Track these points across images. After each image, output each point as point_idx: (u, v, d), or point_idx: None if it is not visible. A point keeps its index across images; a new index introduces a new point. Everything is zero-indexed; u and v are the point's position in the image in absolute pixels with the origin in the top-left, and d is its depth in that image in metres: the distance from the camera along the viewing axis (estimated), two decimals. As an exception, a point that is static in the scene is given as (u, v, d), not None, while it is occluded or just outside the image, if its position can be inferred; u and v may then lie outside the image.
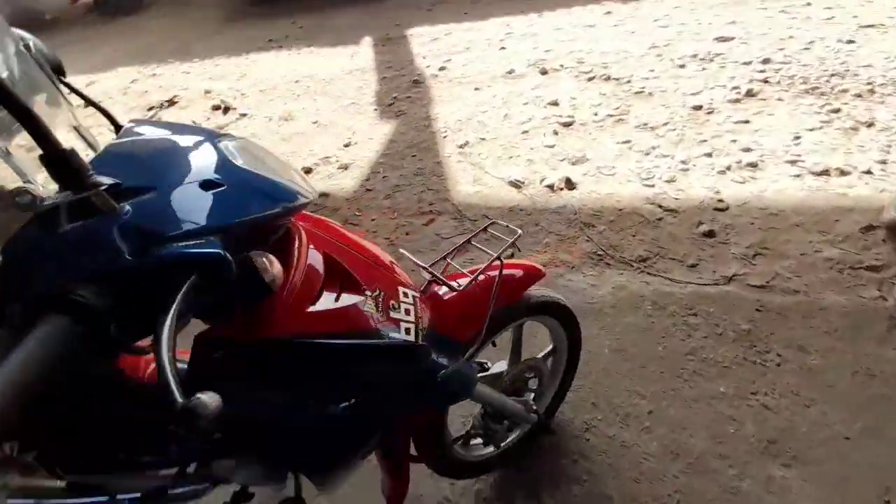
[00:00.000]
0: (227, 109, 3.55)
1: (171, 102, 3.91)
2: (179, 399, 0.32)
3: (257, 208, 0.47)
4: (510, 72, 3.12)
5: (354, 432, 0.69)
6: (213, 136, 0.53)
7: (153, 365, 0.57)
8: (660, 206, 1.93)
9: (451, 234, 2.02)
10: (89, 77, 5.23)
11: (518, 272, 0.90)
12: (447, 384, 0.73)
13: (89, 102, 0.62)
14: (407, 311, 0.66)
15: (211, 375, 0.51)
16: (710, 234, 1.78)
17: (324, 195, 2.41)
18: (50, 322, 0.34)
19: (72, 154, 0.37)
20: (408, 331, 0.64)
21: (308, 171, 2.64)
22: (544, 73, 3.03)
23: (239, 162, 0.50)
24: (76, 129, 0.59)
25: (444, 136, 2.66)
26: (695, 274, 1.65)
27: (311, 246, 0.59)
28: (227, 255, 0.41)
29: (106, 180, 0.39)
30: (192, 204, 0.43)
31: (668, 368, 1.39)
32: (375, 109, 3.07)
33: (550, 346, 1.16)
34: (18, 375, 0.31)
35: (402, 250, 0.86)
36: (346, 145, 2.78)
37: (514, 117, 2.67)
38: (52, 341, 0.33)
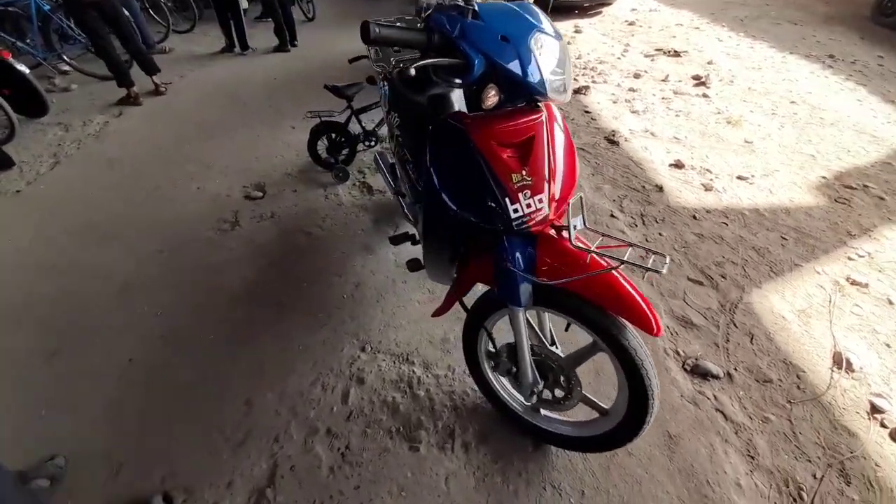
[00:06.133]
0: (700, 84, 3.43)
1: (676, 54, 4.05)
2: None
3: (515, 69, 0.73)
4: None
5: (448, 230, 0.98)
6: (540, 27, 0.77)
7: None
8: None
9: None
10: (685, 15, 5.84)
11: (628, 294, 0.78)
12: (503, 273, 0.86)
13: None
14: (528, 206, 0.80)
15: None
16: None
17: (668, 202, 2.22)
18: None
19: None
20: (516, 210, 0.80)
21: (678, 164, 2.42)
22: None
23: (530, 44, 0.74)
24: None
25: None
26: None
27: (537, 121, 0.82)
28: (477, 65, 0.72)
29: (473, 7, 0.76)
30: (490, 42, 0.74)
31: None
32: (817, 183, 2.32)
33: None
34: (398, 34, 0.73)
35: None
36: (741, 178, 2.32)
37: None
38: (418, 34, 0.76)
